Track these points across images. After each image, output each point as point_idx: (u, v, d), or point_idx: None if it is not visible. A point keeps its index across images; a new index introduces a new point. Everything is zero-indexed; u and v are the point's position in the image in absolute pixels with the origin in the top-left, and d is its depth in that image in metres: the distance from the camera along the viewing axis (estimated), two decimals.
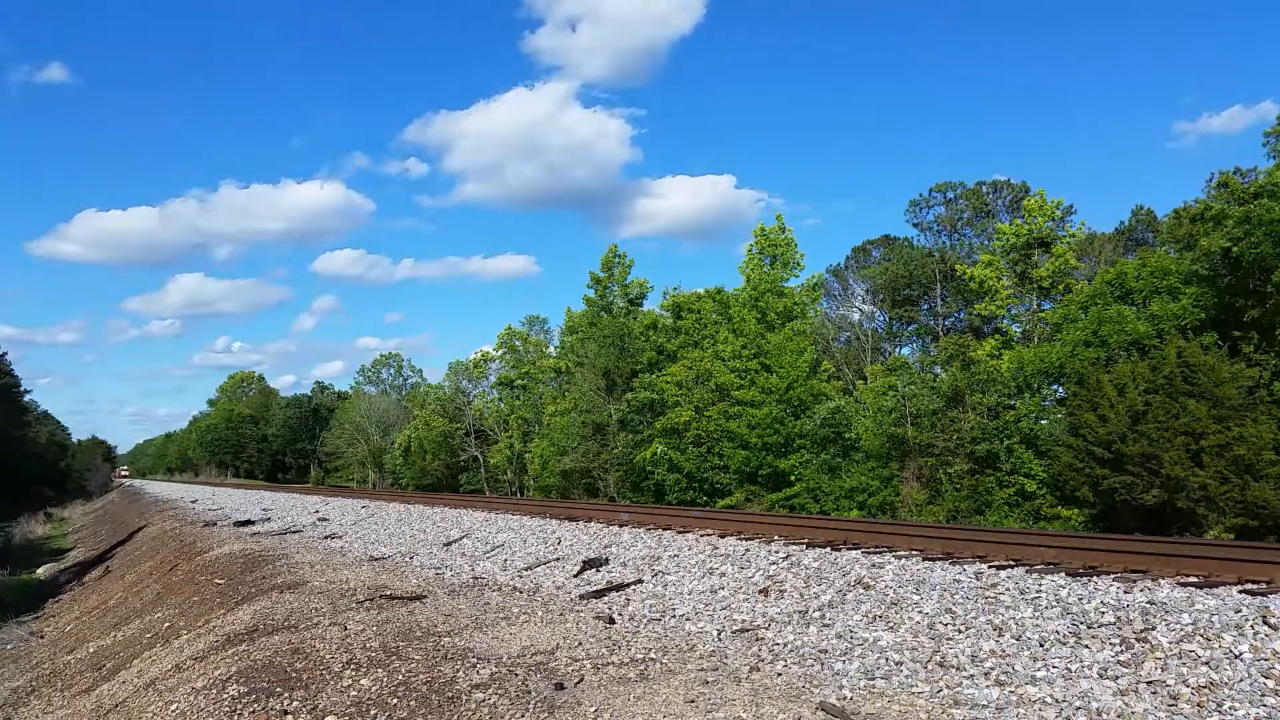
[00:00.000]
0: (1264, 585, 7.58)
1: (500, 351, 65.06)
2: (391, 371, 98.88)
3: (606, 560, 12.90)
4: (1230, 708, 5.71)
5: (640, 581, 11.42)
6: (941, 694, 6.58)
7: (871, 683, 6.94)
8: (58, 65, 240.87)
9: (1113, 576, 8.34)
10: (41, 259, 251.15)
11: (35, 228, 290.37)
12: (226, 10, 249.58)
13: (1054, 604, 7.74)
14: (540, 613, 9.35)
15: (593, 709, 6.03)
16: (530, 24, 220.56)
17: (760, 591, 9.91)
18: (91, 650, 13.91)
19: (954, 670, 6.97)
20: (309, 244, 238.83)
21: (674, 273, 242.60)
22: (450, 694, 6.42)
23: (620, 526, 15.83)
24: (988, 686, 6.58)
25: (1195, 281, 30.17)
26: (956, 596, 8.38)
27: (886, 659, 7.42)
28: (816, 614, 8.80)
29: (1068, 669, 6.61)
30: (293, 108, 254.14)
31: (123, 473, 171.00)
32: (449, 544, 17.46)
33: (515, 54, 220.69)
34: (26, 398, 61.21)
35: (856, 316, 49.01)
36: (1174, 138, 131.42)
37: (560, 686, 6.57)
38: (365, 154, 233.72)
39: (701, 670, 7.10)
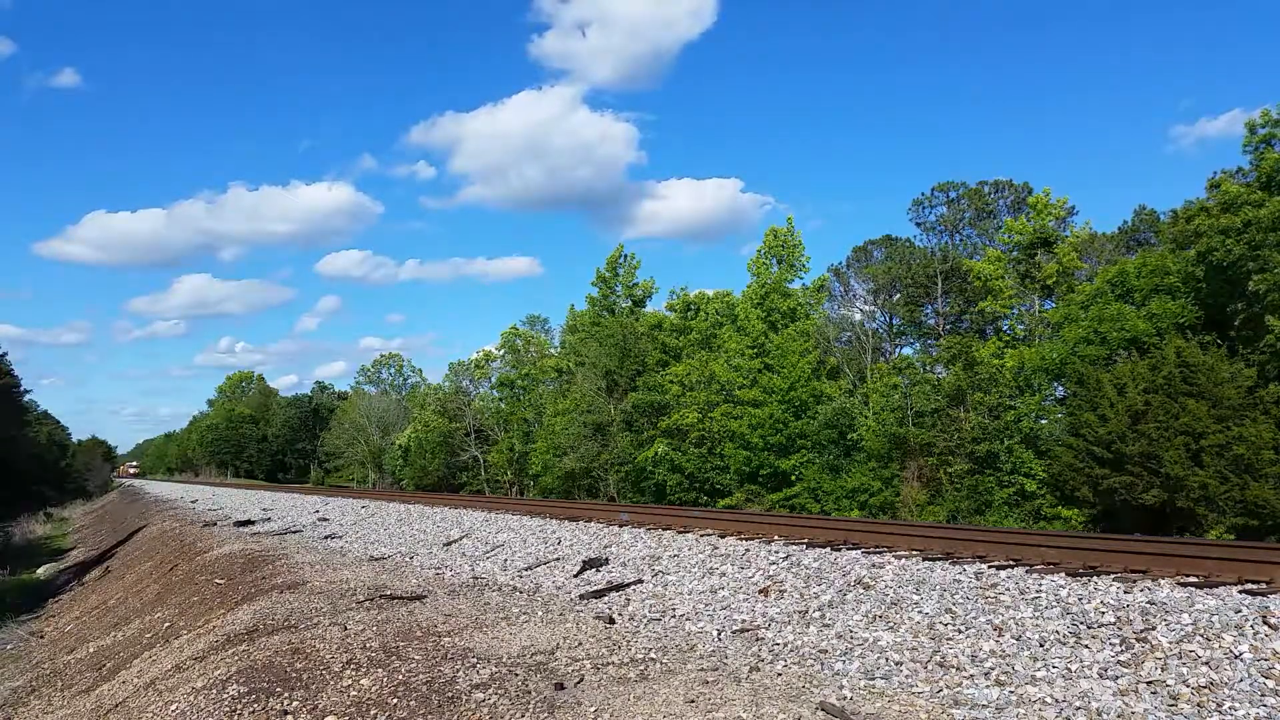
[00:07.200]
0: (1264, 585, 7.58)
1: (502, 351, 65.08)
2: (392, 371, 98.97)
3: (606, 560, 12.90)
4: (1230, 708, 5.71)
5: (640, 581, 11.41)
6: (941, 694, 6.58)
7: (871, 683, 6.94)
8: (70, 70, 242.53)
9: (1113, 576, 8.34)
10: (48, 260, 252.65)
11: (43, 229, 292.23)
12: (236, 13, 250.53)
13: (1054, 604, 7.74)
14: (540, 613, 9.34)
15: (593, 709, 6.03)
16: (538, 28, 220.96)
17: (760, 591, 9.91)
18: (91, 650, 13.91)
19: (954, 670, 6.97)
20: (316, 245, 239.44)
21: (677, 274, 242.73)
22: (450, 694, 6.42)
23: (620, 526, 15.83)
24: (988, 686, 6.58)
25: (1192, 282, 30.31)
26: (956, 596, 8.38)
27: (886, 659, 7.42)
28: (816, 614, 8.80)
29: (1068, 669, 6.60)
30: (302, 110, 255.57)
31: (131, 469, 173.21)
32: (449, 544, 17.46)
33: (522, 57, 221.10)
34: (26, 398, 61.10)
35: (858, 317, 48.98)
36: (1171, 140, 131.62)
37: (560, 686, 6.57)
38: (373, 156, 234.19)
39: (701, 670, 7.10)
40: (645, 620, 9.62)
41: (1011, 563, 9.57)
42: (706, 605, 9.86)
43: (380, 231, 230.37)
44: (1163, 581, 7.92)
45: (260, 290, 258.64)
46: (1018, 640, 7.21)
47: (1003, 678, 6.67)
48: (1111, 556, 9.27)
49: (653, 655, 7.55)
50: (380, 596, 10.33)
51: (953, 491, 31.27)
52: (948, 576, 9.02)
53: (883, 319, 50.80)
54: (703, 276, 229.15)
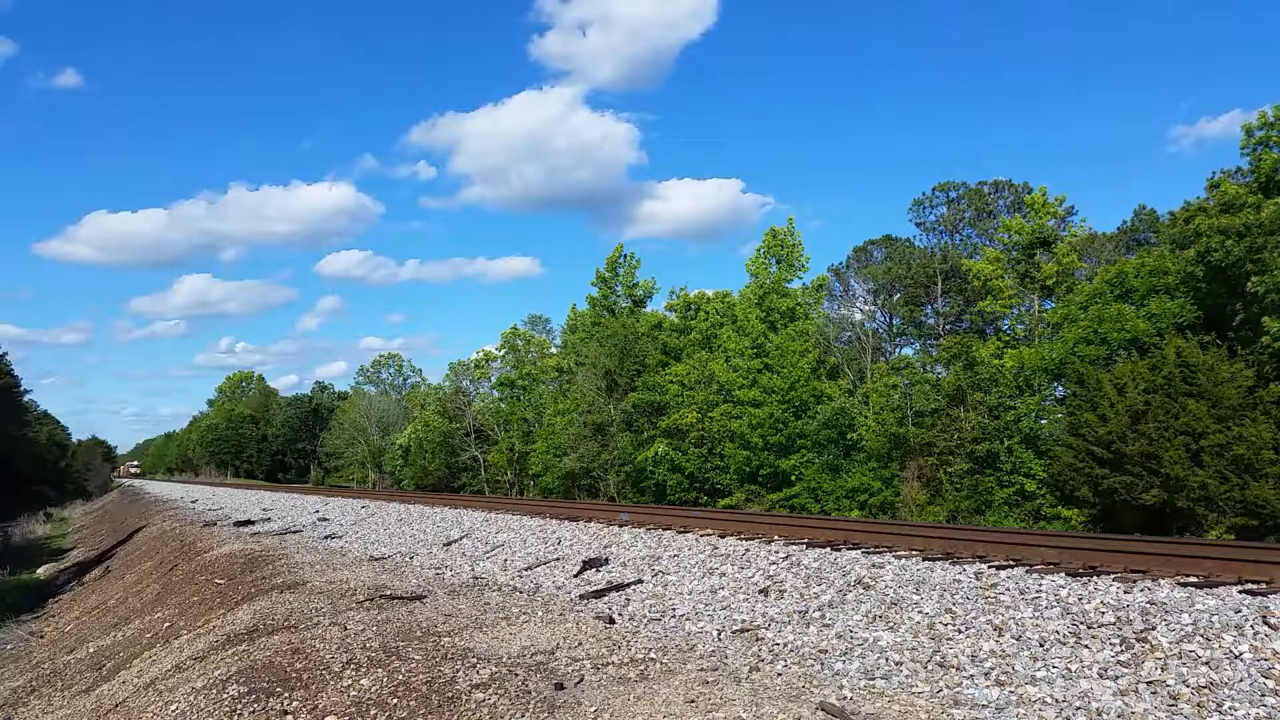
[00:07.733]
0: (1264, 585, 7.59)
1: (502, 351, 65.10)
2: (392, 371, 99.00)
3: (606, 560, 12.90)
4: (1230, 708, 5.71)
5: (640, 581, 11.41)
6: (941, 694, 6.58)
7: (871, 683, 6.94)
8: (70, 70, 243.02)
9: (1113, 576, 8.34)
10: (48, 260, 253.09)
11: (44, 229, 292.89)
12: (236, 14, 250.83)
13: (1054, 604, 7.74)
14: (540, 613, 9.34)
15: (593, 709, 6.03)
16: (538, 28, 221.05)
17: (760, 591, 9.90)
18: (91, 650, 13.90)
19: (954, 670, 6.97)
20: (316, 245, 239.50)
21: (677, 274, 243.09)
22: (450, 694, 6.42)
23: (620, 526, 15.83)
24: (988, 686, 6.58)
25: (1191, 282, 30.34)
26: (956, 596, 8.38)
27: (886, 659, 7.42)
28: (816, 614, 8.80)
29: (1068, 669, 6.60)
30: (302, 110, 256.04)
31: (133, 468, 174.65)
32: (449, 544, 17.46)
33: (523, 58, 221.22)
34: (26, 398, 61.10)
35: (858, 316, 49.07)
36: (1171, 140, 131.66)
37: (560, 686, 6.57)
38: (375, 156, 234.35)
39: (701, 670, 7.09)
40: (645, 620, 9.62)
41: (1011, 563, 9.57)
42: (706, 605, 9.86)
43: (381, 231, 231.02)
44: (1163, 581, 7.92)
45: (261, 290, 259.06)
46: (1018, 640, 7.21)
47: (1003, 678, 6.67)
48: (1111, 556, 9.27)
49: (653, 655, 7.54)
50: (380, 596, 10.33)
51: (953, 491, 31.27)
52: (948, 576, 9.02)
53: (883, 319, 50.85)
54: (703, 276, 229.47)
